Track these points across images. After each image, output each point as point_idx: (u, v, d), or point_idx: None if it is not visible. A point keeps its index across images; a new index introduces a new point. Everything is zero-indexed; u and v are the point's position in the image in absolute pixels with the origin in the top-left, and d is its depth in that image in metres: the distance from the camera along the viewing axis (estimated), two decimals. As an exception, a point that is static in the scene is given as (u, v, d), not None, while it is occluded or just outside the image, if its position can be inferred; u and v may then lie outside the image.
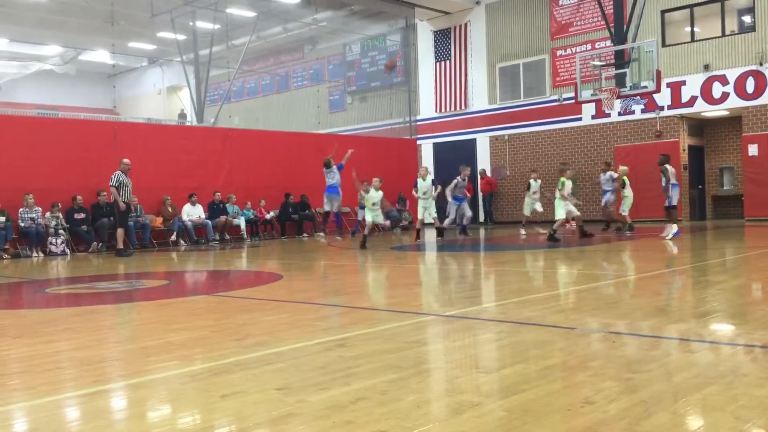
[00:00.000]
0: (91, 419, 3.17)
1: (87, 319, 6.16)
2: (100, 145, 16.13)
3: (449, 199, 15.96)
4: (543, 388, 3.31)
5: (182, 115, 30.40)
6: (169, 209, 17.07)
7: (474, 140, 23.90)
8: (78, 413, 3.30)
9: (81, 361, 4.34)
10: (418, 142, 25.08)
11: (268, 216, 18.86)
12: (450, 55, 24.36)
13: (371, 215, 13.63)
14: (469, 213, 16.27)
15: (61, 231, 14.78)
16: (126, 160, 14.10)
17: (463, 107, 24.15)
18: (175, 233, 16.77)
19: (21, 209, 14.46)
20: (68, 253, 14.82)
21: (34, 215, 14.57)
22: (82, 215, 15.36)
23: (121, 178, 13.77)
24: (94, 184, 15.41)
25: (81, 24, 24.14)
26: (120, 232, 13.87)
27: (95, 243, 15.26)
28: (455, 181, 15.85)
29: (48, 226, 14.69)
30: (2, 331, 5.67)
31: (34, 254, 14.32)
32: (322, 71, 28.29)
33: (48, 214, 14.78)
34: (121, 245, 13.79)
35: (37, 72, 28.88)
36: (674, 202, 13.74)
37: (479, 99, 23.76)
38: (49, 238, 14.66)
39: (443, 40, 24.57)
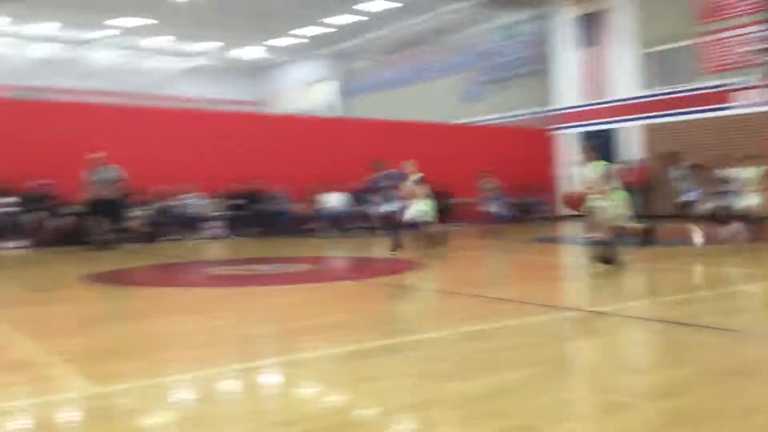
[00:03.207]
0: (243, 392, 3.42)
1: (242, 299, 6.58)
2: (251, 136, 17.08)
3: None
4: (700, 391, 3.16)
5: (326, 107, 31.42)
6: (313, 197, 17.73)
7: (617, 130, 22.89)
8: (232, 386, 3.56)
9: (237, 338, 4.66)
10: (558, 131, 24.40)
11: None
12: (592, 40, 23.43)
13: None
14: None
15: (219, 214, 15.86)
16: (96, 155, 12.83)
17: (606, 95, 23.19)
18: (318, 221, 17.41)
19: (182, 196, 15.59)
20: (225, 236, 15.75)
21: (194, 201, 15.69)
22: (240, 202, 16.32)
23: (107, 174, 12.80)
24: (246, 173, 16.25)
25: (233, 21, 25.55)
26: (107, 223, 12.85)
27: (253, 228, 16.17)
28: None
29: (205, 212, 15.77)
30: (172, 308, 6.20)
31: (194, 238, 15.37)
32: (458, 61, 28.19)
33: (207, 200, 15.85)
34: (109, 237, 12.79)
35: (194, 67, 31.11)
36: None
37: (624, 86, 22.69)
38: (207, 222, 15.73)
39: (585, 25, 23.67)
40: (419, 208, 10.73)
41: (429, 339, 4.42)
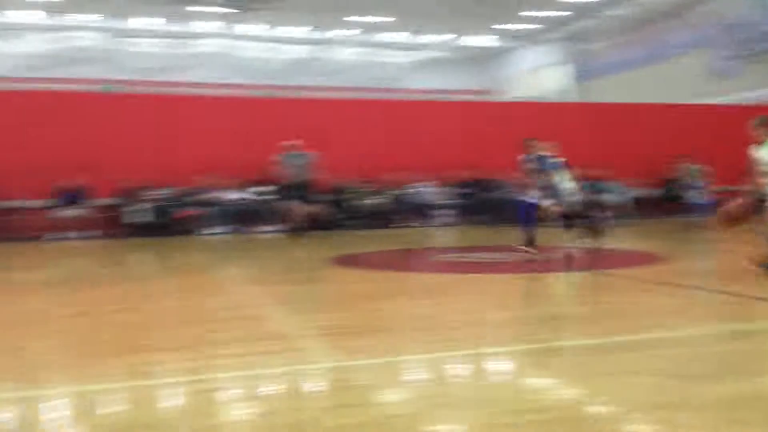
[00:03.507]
0: (474, 377, 3.47)
1: (470, 286, 6.67)
2: (480, 124, 17.18)
3: None
4: None
5: (559, 92, 30.55)
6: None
7: None
8: (462, 370, 3.63)
9: (465, 323, 4.73)
10: (832, 108, 21.20)
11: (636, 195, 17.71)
12: None
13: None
14: None
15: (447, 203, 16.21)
16: (290, 141, 12.98)
17: None
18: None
19: (415, 184, 16.16)
20: (455, 223, 16.03)
21: (426, 190, 16.20)
22: (469, 190, 16.51)
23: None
24: (475, 162, 16.36)
25: (464, 10, 25.79)
26: (302, 207, 13.11)
27: (481, 216, 16.28)
28: None
29: (436, 200, 16.20)
30: (404, 291, 6.50)
31: (422, 224, 15.88)
32: (705, 36, 25.67)
33: (438, 189, 16.27)
34: (301, 221, 13.04)
35: (426, 59, 32.05)
36: None
37: None
38: (437, 210, 16.16)
39: None
40: (561, 196, 9.20)
41: (674, 337, 4.12)
